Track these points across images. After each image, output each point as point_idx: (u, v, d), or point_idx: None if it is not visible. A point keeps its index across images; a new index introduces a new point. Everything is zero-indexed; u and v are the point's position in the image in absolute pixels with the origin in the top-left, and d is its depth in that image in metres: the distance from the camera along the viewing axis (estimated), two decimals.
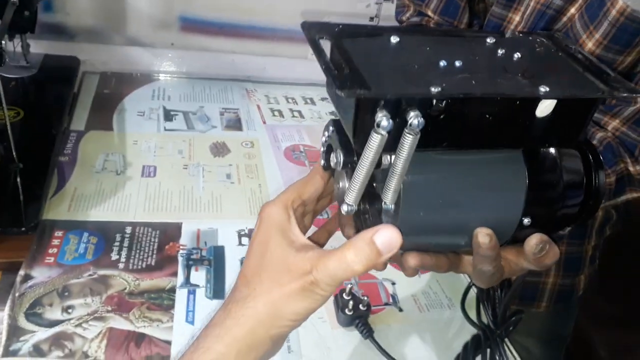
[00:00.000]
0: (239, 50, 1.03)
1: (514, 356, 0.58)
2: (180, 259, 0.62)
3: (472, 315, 0.60)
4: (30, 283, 0.57)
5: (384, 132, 0.27)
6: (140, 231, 0.65)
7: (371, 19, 1.06)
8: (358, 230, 0.41)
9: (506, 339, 0.58)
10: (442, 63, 0.31)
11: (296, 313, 0.33)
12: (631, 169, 0.51)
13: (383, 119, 0.27)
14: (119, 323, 0.54)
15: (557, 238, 0.55)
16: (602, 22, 0.48)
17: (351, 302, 0.57)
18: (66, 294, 0.56)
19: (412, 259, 0.36)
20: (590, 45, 0.50)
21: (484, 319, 0.56)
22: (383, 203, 0.32)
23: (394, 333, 0.58)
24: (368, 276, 0.65)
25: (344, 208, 0.32)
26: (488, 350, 0.52)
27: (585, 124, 0.32)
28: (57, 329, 0.52)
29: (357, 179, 0.30)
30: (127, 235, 0.64)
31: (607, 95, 0.30)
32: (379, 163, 0.32)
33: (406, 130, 0.28)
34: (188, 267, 0.62)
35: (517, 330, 0.60)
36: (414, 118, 0.27)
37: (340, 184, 0.37)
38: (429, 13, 0.69)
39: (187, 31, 1.00)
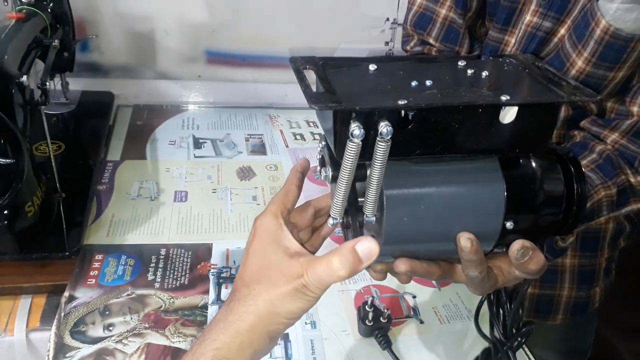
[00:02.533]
0: (261, 79, 1.09)
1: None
2: (211, 277, 0.66)
3: (486, 328, 0.61)
4: (74, 303, 0.61)
5: (357, 140, 0.32)
6: (174, 252, 0.70)
7: (386, 43, 1.10)
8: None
9: (524, 350, 0.60)
10: (414, 83, 0.35)
11: (291, 312, 0.36)
12: (632, 180, 0.53)
13: (355, 129, 0.31)
14: (156, 339, 0.58)
15: (561, 251, 0.57)
16: (589, 41, 0.51)
17: (371, 314, 0.59)
18: (107, 312, 0.60)
19: (402, 265, 0.39)
20: (580, 63, 0.52)
21: (496, 332, 0.58)
22: (365, 216, 0.36)
23: (414, 344, 0.60)
24: (390, 290, 0.68)
25: (330, 221, 0.36)
26: None
27: (551, 129, 0.35)
28: (99, 345, 0.57)
29: (339, 190, 0.34)
30: (162, 257, 0.69)
31: (567, 99, 0.33)
32: (362, 177, 0.36)
33: (378, 139, 0.32)
34: (219, 285, 0.65)
35: (536, 344, 0.62)
36: (384, 127, 0.31)
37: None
38: (431, 41, 0.73)
39: (212, 63, 1.06)
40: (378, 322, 0.59)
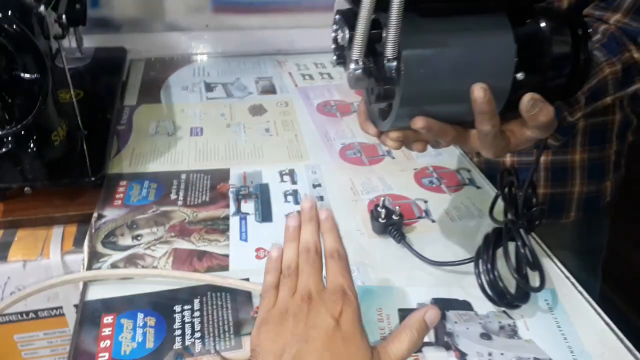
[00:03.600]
0: (269, 25, 1.11)
1: (543, 249, 0.62)
2: (230, 195, 0.70)
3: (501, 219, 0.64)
4: (103, 220, 0.65)
5: None
6: (194, 177, 0.73)
7: None
8: (374, 122, 0.47)
9: (542, 247, 0.62)
10: None
11: None
12: (636, 55, 0.54)
13: None
14: (182, 244, 0.61)
15: (570, 127, 0.58)
16: None
17: (384, 212, 0.62)
18: (134, 226, 0.64)
19: (420, 121, 0.40)
20: None
21: (509, 216, 0.60)
22: (386, 59, 0.38)
23: (427, 239, 0.63)
24: (401, 197, 0.70)
25: (351, 65, 0.38)
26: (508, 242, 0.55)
27: None
28: (129, 251, 0.60)
29: (358, 30, 0.36)
30: (183, 180, 0.72)
31: None
32: (379, 37, 0.38)
33: None
34: (238, 200, 0.69)
35: (551, 245, 0.64)
36: None
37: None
38: None
39: (219, 12, 1.09)
40: (390, 219, 0.62)
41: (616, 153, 0.71)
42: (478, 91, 0.39)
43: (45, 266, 0.64)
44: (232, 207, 0.67)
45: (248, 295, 0.55)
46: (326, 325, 0.37)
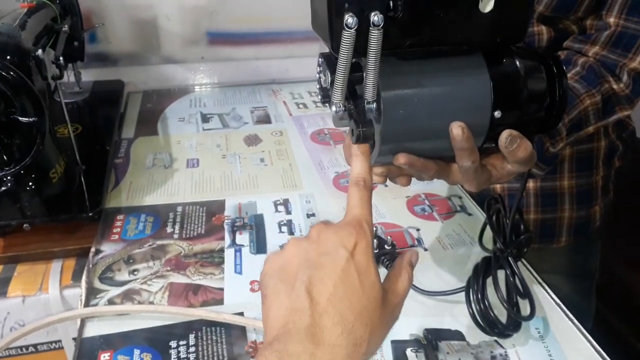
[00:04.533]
0: (262, 56, 1.13)
1: (533, 276, 0.63)
2: (226, 226, 0.71)
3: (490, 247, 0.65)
4: (100, 255, 0.66)
5: (351, 29, 0.35)
6: (190, 209, 0.74)
7: None
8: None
9: (532, 274, 0.63)
10: None
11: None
12: (615, 87, 0.56)
13: (349, 18, 0.35)
14: (178, 278, 0.62)
15: (553, 158, 0.59)
16: None
17: (376, 242, 0.63)
18: (131, 261, 0.65)
19: (402, 157, 0.42)
20: None
21: (498, 245, 0.61)
22: (365, 102, 0.39)
23: (419, 267, 0.63)
24: (393, 225, 0.71)
25: (333, 108, 0.39)
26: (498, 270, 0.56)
27: (528, 18, 0.39)
28: (126, 287, 0.61)
29: (338, 76, 0.38)
30: (179, 213, 0.74)
31: None
32: (360, 79, 0.39)
33: (371, 28, 0.35)
34: (233, 232, 0.70)
35: (543, 269, 0.65)
36: (375, 16, 0.35)
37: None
38: None
39: (214, 44, 1.11)
40: (383, 249, 0.63)
41: (603, 178, 0.72)
42: (456, 129, 0.40)
43: (44, 301, 0.65)
44: (227, 239, 0.68)
45: (242, 330, 0.55)
46: (340, 255, 0.35)
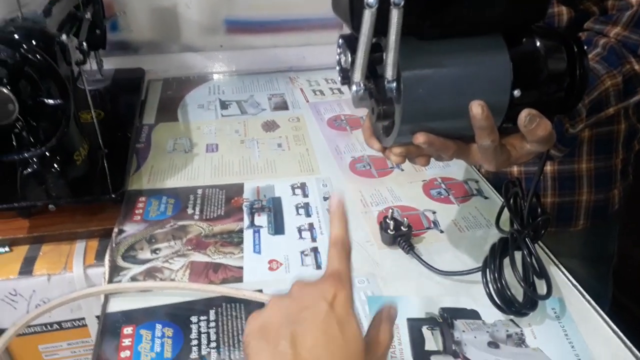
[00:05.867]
0: (280, 44, 1.14)
1: (550, 258, 0.63)
2: (244, 208, 0.72)
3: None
4: (123, 235, 0.68)
5: (372, 7, 0.36)
6: (209, 192, 0.76)
7: None
8: (378, 138, 0.49)
9: (550, 257, 0.63)
10: None
11: None
12: (637, 67, 0.55)
13: None
14: (199, 257, 0.64)
15: (572, 139, 0.59)
16: None
17: (392, 224, 0.64)
18: (153, 240, 0.67)
19: (421, 136, 0.42)
20: None
21: (515, 226, 0.61)
22: (386, 81, 0.40)
23: (435, 249, 0.64)
24: (409, 208, 0.72)
25: (353, 88, 0.40)
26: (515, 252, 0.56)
27: None
28: (148, 265, 0.63)
29: (358, 55, 0.38)
30: (199, 195, 0.75)
31: None
32: (380, 59, 0.40)
33: (391, 7, 0.36)
34: (252, 214, 0.71)
35: (561, 253, 0.65)
36: None
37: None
38: None
39: (232, 32, 1.12)
40: (399, 231, 0.64)
41: (623, 161, 0.72)
42: (476, 108, 0.40)
43: (68, 279, 0.67)
44: (246, 221, 0.70)
45: (261, 306, 0.56)
46: (320, 307, 0.36)
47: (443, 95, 0.41)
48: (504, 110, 0.43)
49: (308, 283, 0.38)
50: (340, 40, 0.44)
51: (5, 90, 0.56)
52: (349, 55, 0.42)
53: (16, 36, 0.59)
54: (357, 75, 0.39)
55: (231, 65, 1.14)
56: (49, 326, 0.72)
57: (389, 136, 0.46)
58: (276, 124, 0.94)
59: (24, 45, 0.58)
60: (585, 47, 0.51)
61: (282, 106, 1.01)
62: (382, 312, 0.41)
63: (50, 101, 0.59)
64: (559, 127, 0.55)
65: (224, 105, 1.01)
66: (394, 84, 0.40)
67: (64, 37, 0.67)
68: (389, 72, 0.39)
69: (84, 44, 0.72)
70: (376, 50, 0.41)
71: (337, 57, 0.45)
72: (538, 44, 0.43)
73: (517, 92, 0.42)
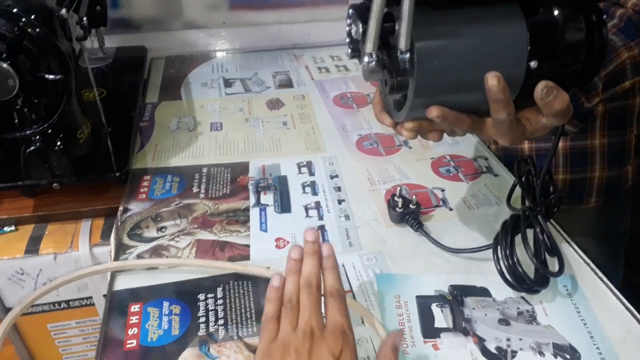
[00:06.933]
0: (284, 20, 1.12)
1: (562, 235, 0.62)
2: (250, 187, 0.71)
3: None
4: (128, 213, 0.67)
5: None
6: (214, 170, 0.75)
7: None
8: (389, 113, 0.48)
9: (562, 235, 0.62)
10: None
11: None
12: None
13: None
14: (205, 235, 0.63)
15: (587, 114, 0.57)
16: None
17: (400, 202, 0.63)
18: (159, 219, 0.66)
19: (435, 110, 0.41)
20: None
21: (527, 203, 0.60)
22: (399, 52, 0.38)
23: (444, 227, 0.63)
24: (418, 186, 0.71)
25: (365, 59, 0.39)
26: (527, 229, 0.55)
27: None
28: (154, 243, 0.62)
29: (371, 24, 0.37)
30: (204, 174, 0.74)
31: None
32: (392, 29, 0.38)
33: None
34: (258, 192, 0.70)
35: (573, 231, 0.64)
36: None
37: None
38: None
39: (235, 9, 1.10)
40: (408, 208, 0.63)
41: (637, 137, 0.70)
42: (492, 79, 0.39)
43: (75, 258, 0.67)
44: (252, 199, 0.69)
45: (268, 283, 0.56)
46: None
47: (458, 67, 0.40)
48: (520, 82, 0.41)
49: (315, 337, 0.40)
50: (351, 10, 0.42)
51: (4, 65, 0.55)
52: (360, 25, 0.41)
53: (15, 10, 0.57)
54: (370, 46, 0.38)
55: (235, 42, 1.12)
56: (57, 305, 0.72)
57: (401, 110, 0.45)
58: (281, 102, 0.93)
59: (23, 19, 0.57)
60: None
61: (287, 84, 0.99)
62: (386, 345, 0.42)
63: (51, 76, 0.58)
64: (574, 101, 0.53)
65: (227, 83, 0.99)
66: (407, 55, 0.39)
67: (63, 11, 0.65)
68: (402, 43, 0.38)
69: (85, 19, 0.70)
70: (388, 20, 0.39)
71: (347, 28, 0.44)
72: (556, 12, 0.41)
73: (533, 64, 0.40)
